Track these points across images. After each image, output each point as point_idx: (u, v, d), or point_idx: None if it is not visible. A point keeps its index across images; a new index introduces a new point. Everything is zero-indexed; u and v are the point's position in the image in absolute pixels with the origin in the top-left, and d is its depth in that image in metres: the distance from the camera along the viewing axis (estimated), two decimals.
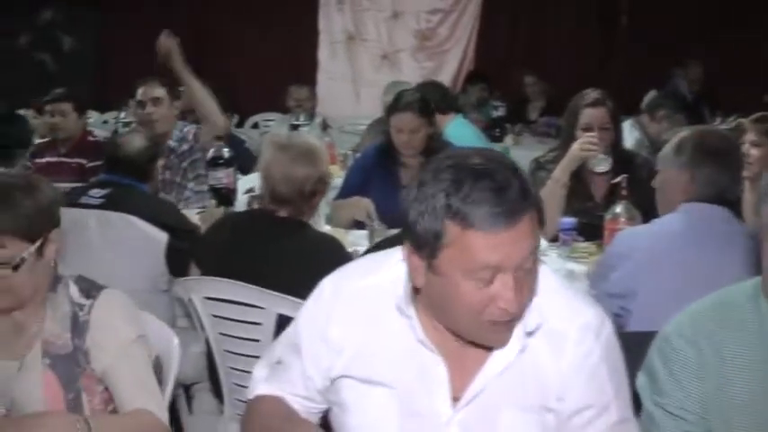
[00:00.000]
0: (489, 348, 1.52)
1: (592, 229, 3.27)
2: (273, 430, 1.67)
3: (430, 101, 3.99)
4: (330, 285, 1.67)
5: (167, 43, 4.02)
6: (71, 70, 8.90)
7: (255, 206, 3.27)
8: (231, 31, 9.09)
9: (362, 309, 1.59)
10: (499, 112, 7.08)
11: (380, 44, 9.31)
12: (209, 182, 3.90)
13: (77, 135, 4.72)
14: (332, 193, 3.68)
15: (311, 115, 6.61)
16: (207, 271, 2.78)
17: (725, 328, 1.59)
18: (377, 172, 3.90)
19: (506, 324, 1.45)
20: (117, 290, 2.02)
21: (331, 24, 9.38)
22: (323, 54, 9.40)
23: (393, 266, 1.57)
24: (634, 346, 1.70)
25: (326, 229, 3.41)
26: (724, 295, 1.66)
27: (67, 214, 3.10)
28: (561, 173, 3.36)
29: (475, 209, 1.35)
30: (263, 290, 2.54)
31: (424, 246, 1.41)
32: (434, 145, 3.82)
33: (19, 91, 7.36)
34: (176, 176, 4.15)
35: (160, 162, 3.46)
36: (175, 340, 2.17)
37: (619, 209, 3.12)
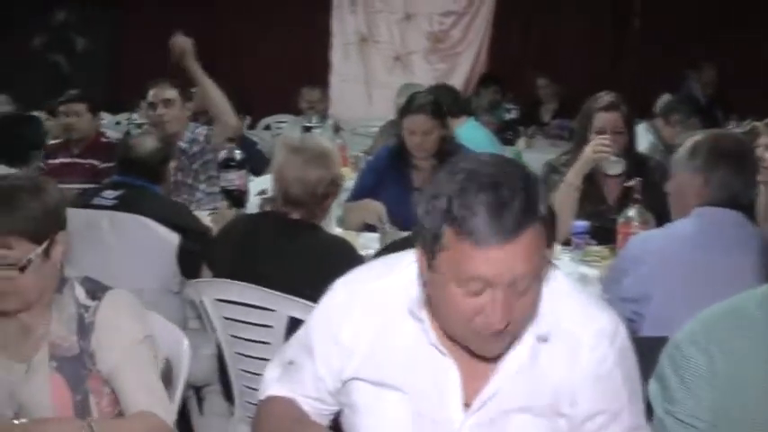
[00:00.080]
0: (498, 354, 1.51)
1: (604, 233, 3.25)
2: None
3: (443, 103, 3.99)
4: (343, 287, 1.66)
5: (181, 43, 4.03)
6: (85, 71, 8.94)
7: (268, 208, 3.27)
8: (244, 32, 9.11)
9: (375, 311, 1.59)
10: (512, 115, 7.07)
11: (393, 46, 9.32)
12: (221, 184, 3.90)
13: (90, 136, 4.74)
14: (343, 195, 3.67)
15: (323, 117, 6.63)
16: (219, 273, 2.79)
17: (736, 336, 1.58)
18: (389, 174, 3.90)
19: (495, 336, 1.42)
20: (123, 291, 2.01)
21: (344, 26, 9.39)
22: (335, 56, 9.41)
23: (405, 269, 1.57)
24: (647, 351, 1.69)
25: (338, 231, 3.41)
26: (736, 302, 1.64)
27: (80, 215, 3.16)
28: (574, 176, 3.35)
29: (471, 220, 1.34)
30: (275, 292, 2.54)
31: (426, 244, 1.41)
32: (447, 147, 3.82)
33: (33, 92, 7.40)
34: (188, 178, 4.16)
35: (172, 164, 3.47)
36: (185, 342, 2.17)
37: (632, 212, 3.10)
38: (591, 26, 8.60)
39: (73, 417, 1.89)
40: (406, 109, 3.88)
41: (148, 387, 1.93)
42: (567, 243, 3.26)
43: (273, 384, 1.76)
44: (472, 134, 4.70)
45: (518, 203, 1.35)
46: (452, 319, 1.45)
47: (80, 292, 1.96)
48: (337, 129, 6.19)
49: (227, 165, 3.86)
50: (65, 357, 1.92)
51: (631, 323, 2.36)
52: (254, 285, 2.58)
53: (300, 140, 2.91)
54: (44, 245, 1.88)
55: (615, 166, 3.34)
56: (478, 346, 1.48)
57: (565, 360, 1.52)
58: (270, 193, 3.39)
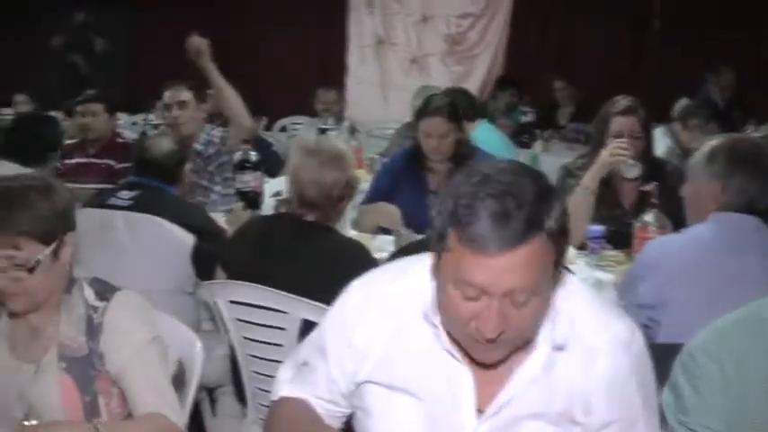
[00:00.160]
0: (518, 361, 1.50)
1: (620, 237, 3.23)
2: None
3: (459, 106, 3.97)
4: (357, 290, 1.66)
5: (197, 43, 4.04)
6: (103, 72, 9.00)
7: (282, 210, 3.27)
8: (260, 33, 9.14)
9: (389, 314, 1.58)
10: (528, 118, 7.05)
11: (410, 48, 9.32)
12: (236, 185, 3.91)
13: (107, 136, 4.76)
14: (358, 197, 3.67)
15: (339, 119, 6.62)
16: (233, 274, 2.78)
17: (749, 344, 1.56)
18: (405, 176, 3.89)
19: (489, 343, 1.41)
20: (131, 291, 2.01)
21: (361, 28, 9.40)
22: (352, 58, 9.42)
23: (421, 272, 1.55)
24: (663, 358, 1.67)
25: (353, 233, 3.40)
26: (749, 310, 1.63)
27: (96, 215, 3.17)
28: (590, 180, 3.33)
29: (473, 224, 1.34)
30: (288, 294, 2.54)
31: (434, 244, 1.43)
32: (463, 150, 3.81)
33: (51, 92, 7.46)
34: (203, 180, 4.17)
35: (188, 166, 3.47)
36: (198, 344, 2.17)
37: (649, 217, 3.08)
38: (609, 28, 8.55)
39: (81, 419, 1.89)
40: (423, 111, 3.87)
41: (157, 388, 1.92)
42: (582, 247, 3.25)
43: (286, 385, 1.76)
44: (486, 137, 4.70)
45: (523, 215, 1.33)
46: (451, 320, 1.45)
47: (89, 293, 1.96)
48: (353, 130, 6.19)
49: (243, 166, 3.86)
50: (74, 358, 1.92)
51: (647, 329, 2.34)
52: (267, 287, 2.57)
53: (316, 142, 2.91)
54: (53, 246, 1.88)
55: (632, 170, 3.32)
56: (475, 351, 1.47)
57: (580, 368, 1.50)
58: (285, 195, 3.39)
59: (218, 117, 4.53)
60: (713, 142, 2.53)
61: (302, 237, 2.73)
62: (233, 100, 4.12)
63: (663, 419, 1.63)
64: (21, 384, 1.91)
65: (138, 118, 7.28)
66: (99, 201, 3.32)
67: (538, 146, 6.56)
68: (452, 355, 1.52)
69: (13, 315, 1.95)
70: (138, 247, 3.14)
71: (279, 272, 2.62)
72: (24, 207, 1.84)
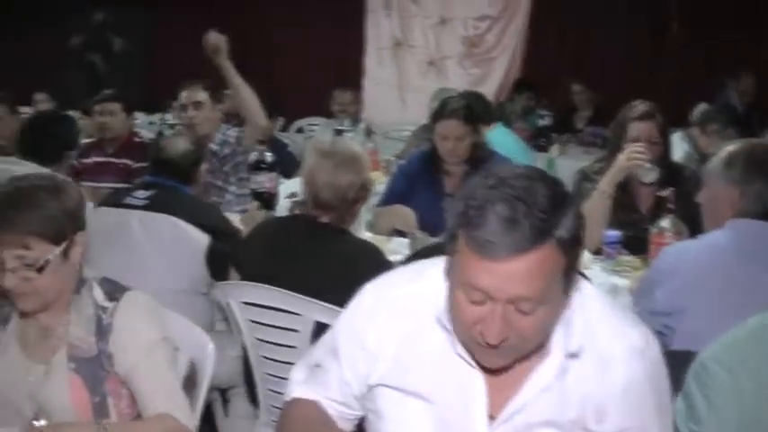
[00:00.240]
0: (529, 367, 1.49)
1: (637, 243, 3.21)
2: None
3: (475, 108, 3.96)
4: (371, 292, 1.66)
5: (215, 39, 4.04)
6: (121, 71, 9.04)
7: (297, 211, 3.27)
8: (278, 34, 9.16)
9: (401, 317, 1.58)
10: (545, 121, 7.01)
11: (427, 50, 9.32)
12: (252, 186, 3.91)
13: (124, 135, 4.78)
14: (374, 199, 3.66)
15: (355, 120, 6.61)
16: (246, 275, 2.78)
17: (762, 354, 1.55)
18: (421, 179, 3.89)
19: (492, 349, 1.40)
20: (141, 292, 2.01)
21: (378, 30, 9.41)
22: (370, 59, 9.43)
23: (436, 276, 1.54)
24: (678, 366, 1.66)
25: (367, 235, 3.40)
26: (763, 319, 1.61)
27: (111, 214, 3.19)
28: (607, 184, 3.31)
29: (480, 229, 1.33)
30: (301, 296, 2.53)
31: (447, 244, 1.42)
32: (479, 154, 3.80)
33: (70, 91, 7.50)
34: (218, 180, 4.17)
35: (204, 166, 3.48)
36: (210, 345, 2.16)
37: (665, 223, 3.06)
38: (628, 32, 8.50)
39: (90, 420, 1.89)
40: (439, 114, 3.86)
41: (166, 389, 1.92)
42: (598, 252, 3.23)
43: (299, 386, 1.76)
44: (501, 140, 4.67)
45: (533, 221, 1.32)
46: (457, 323, 1.45)
47: (98, 294, 1.96)
48: (369, 132, 6.18)
49: (258, 167, 3.86)
50: (83, 358, 1.92)
51: (661, 336, 2.33)
52: (280, 289, 2.57)
53: (331, 144, 2.90)
54: (63, 245, 1.88)
55: (649, 174, 3.30)
56: (479, 355, 1.46)
57: (594, 376, 1.49)
58: (300, 197, 3.39)
59: (234, 117, 4.55)
60: (731, 147, 2.51)
61: (316, 238, 2.72)
62: (249, 99, 4.12)
63: (675, 428, 1.61)
64: (31, 384, 1.92)
65: (156, 117, 7.31)
66: (114, 200, 3.33)
67: (555, 150, 6.53)
68: (465, 360, 1.51)
69: (23, 315, 1.95)
70: (153, 247, 3.14)
71: (292, 273, 2.62)
72: (34, 207, 1.84)
